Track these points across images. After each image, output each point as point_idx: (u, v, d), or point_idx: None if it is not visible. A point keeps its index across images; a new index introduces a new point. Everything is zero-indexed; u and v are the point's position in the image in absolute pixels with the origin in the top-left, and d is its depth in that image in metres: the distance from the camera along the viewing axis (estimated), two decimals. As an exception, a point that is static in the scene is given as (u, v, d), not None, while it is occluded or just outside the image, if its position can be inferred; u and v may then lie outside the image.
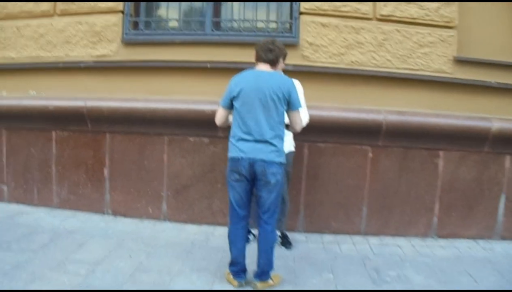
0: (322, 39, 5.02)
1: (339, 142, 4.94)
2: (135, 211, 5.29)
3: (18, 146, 5.54)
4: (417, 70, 4.98)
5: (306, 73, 4.95)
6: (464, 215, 4.98)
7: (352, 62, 5.02)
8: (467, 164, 4.94)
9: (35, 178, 5.52)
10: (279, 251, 4.48)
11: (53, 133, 5.41)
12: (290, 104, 3.55)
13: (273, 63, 3.65)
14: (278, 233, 4.71)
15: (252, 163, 3.49)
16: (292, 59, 4.98)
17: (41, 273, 3.81)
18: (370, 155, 4.93)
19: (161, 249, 4.44)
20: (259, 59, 3.65)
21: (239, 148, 3.52)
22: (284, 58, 3.86)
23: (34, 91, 5.52)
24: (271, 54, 3.63)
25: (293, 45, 5.01)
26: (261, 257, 3.68)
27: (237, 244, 3.72)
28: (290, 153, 4.49)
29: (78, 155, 5.37)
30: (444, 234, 4.98)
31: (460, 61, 4.96)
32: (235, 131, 3.58)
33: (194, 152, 5.12)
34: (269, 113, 3.48)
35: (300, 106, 3.62)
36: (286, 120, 3.66)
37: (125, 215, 5.30)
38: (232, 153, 3.57)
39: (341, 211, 5.00)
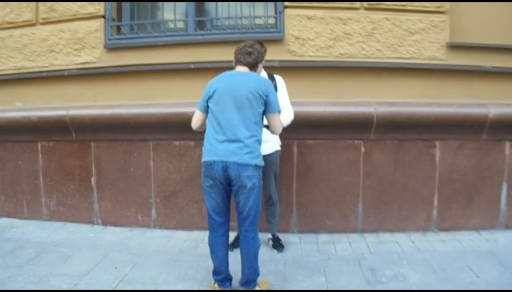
0: (308, 32, 4.84)
1: (329, 139, 4.74)
2: (125, 220, 5.14)
3: (6, 159, 5.43)
4: (409, 58, 4.78)
5: (293, 69, 4.81)
6: (465, 206, 4.75)
7: (341, 54, 4.83)
8: (465, 153, 4.71)
9: (24, 190, 5.40)
10: (270, 254, 4.32)
11: (39, 145, 5.28)
12: (268, 106, 3.37)
13: (251, 66, 3.51)
14: (269, 235, 4.55)
15: (225, 166, 3.29)
16: (279, 54, 4.84)
17: (23, 289, 3.68)
18: (363, 149, 4.71)
19: (148, 258, 4.28)
20: (238, 62, 3.52)
21: (212, 151, 3.34)
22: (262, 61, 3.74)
23: (20, 103, 5.42)
24: (250, 57, 3.48)
25: (279, 40, 4.85)
26: (245, 266, 3.49)
27: (217, 252, 3.53)
28: (276, 152, 4.33)
29: (65, 165, 5.23)
30: (445, 227, 4.74)
31: (454, 47, 4.75)
32: (208, 133, 3.41)
33: (180, 156, 4.96)
34: (244, 113, 3.29)
35: (279, 108, 3.44)
36: (266, 121, 3.48)
37: (115, 224, 5.15)
38: (205, 157, 3.39)
39: (335, 209, 4.79)
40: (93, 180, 5.19)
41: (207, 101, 3.43)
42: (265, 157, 4.24)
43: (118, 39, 5.21)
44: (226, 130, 3.31)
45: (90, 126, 5.04)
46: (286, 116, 4.19)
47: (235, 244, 4.44)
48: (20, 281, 3.82)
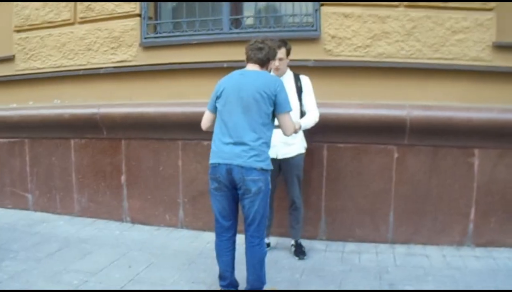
0: (345, 31, 4.62)
1: (360, 142, 4.52)
2: (153, 219, 5.15)
3: (40, 155, 5.59)
4: (452, 59, 4.44)
5: (329, 69, 4.63)
6: (504, 220, 4.36)
7: (379, 54, 4.58)
8: (506, 163, 4.33)
9: (57, 186, 5.54)
10: (290, 261, 4.19)
11: (72, 142, 5.40)
12: (277, 106, 3.23)
13: (262, 63, 3.36)
14: (292, 241, 4.40)
15: (229, 169, 3.20)
16: (314, 54, 4.68)
17: (34, 283, 3.76)
18: (396, 154, 4.46)
19: (165, 259, 4.26)
20: (248, 59, 3.39)
21: (217, 153, 3.28)
22: (274, 58, 3.53)
23: (59, 100, 5.54)
24: (260, 53, 3.33)
25: (315, 39, 4.68)
26: (250, 273, 3.36)
27: (223, 257, 3.44)
28: (300, 155, 4.18)
29: (96, 163, 5.32)
30: (481, 242, 4.39)
31: (500, 47, 4.38)
32: (215, 134, 3.34)
33: (208, 156, 4.87)
34: (251, 115, 3.18)
35: (288, 109, 3.29)
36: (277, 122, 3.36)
37: (143, 223, 5.18)
38: (211, 159, 3.33)
39: (365, 217, 4.57)
40: (123, 178, 5.23)
41: (215, 101, 3.35)
42: (288, 160, 4.14)
43: (153, 38, 5.22)
44: (232, 133, 3.21)
45: (120, 125, 5.09)
46: (310, 118, 4.07)
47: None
48: (34, 275, 3.90)
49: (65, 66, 5.51)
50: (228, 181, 3.24)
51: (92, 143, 5.31)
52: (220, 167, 3.24)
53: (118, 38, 5.26)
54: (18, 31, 5.71)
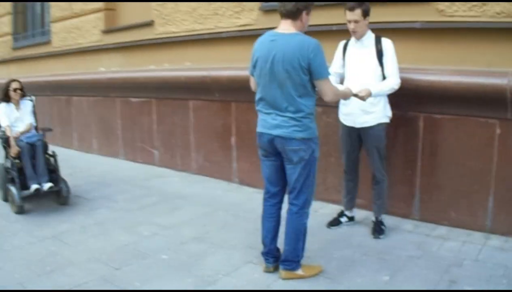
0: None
1: (458, 114, 4.01)
2: (258, 182, 5.19)
3: (165, 114, 6.14)
4: None
5: (439, 31, 4.16)
6: None
7: (497, 13, 3.98)
8: None
9: (178, 144, 6.04)
10: (362, 239, 4.00)
11: (190, 103, 5.81)
12: (312, 73, 3.05)
13: (293, 15, 3.11)
14: (373, 218, 4.17)
15: (271, 140, 3.19)
16: (424, 14, 4.25)
17: (111, 230, 4.27)
18: (498, 130, 3.83)
19: (244, 222, 4.41)
20: (280, 14, 3.18)
21: (260, 122, 3.28)
22: (308, 10, 3.20)
23: (189, 63, 5.97)
24: (289, 5, 3.09)
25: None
26: (285, 242, 3.35)
27: (265, 222, 3.46)
28: (380, 125, 3.90)
29: (211, 124, 5.64)
30: None
31: None
32: (257, 102, 3.30)
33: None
34: (286, 88, 3.07)
35: (324, 75, 3.08)
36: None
37: (249, 185, 5.38)
38: (257, 127, 3.32)
39: (462, 199, 4.06)
40: (232, 139, 5.48)
41: (253, 69, 3.29)
42: (367, 130, 3.93)
43: (272, 1, 5.28)
44: (271, 104, 3.17)
45: (228, 87, 5.31)
46: (385, 85, 3.79)
47: (333, 222, 4.30)
48: (115, 224, 4.43)
49: (195, 30, 5.89)
50: (272, 149, 3.25)
51: (206, 105, 5.65)
52: (263, 136, 3.25)
53: (241, 3, 5.43)
54: (156, -3, 6.28)
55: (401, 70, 3.93)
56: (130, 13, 7.01)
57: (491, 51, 3.94)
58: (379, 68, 3.83)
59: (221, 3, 5.58)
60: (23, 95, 5.36)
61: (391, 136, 4.28)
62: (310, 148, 3.18)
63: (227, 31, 5.53)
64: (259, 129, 3.29)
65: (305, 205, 3.31)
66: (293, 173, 3.22)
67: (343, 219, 4.30)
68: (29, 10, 9.60)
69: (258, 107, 3.30)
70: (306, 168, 3.21)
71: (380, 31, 4.06)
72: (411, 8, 4.22)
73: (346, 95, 3.50)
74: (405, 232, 4.11)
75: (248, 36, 5.37)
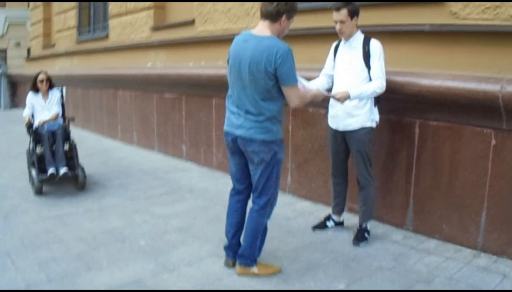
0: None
1: (453, 122, 3.80)
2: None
3: (192, 110, 6.33)
4: None
5: (449, 34, 3.97)
6: None
7: (510, 16, 3.77)
8: None
9: (202, 140, 6.21)
10: (342, 245, 3.93)
11: (213, 100, 5.96)
12: (279, 79, 3.05)
13: (272, 17, 3.10)
14: (357, 225, 4.06)
15: (234, 139, 3.26)
16: (436, 17, 4.09)
17: (107, 217, 4.56)
18: (493, 141, 3.59)
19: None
20: (260, 14, 3.17)
21: (226, 121, 3.35)
22: (290, 15, 3.17)
23: (221, 61, 6.08)
24: (270, 5, 3.08)
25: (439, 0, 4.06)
26: (244, 238, 3.42)
27: (228, 218, 3.54)
28: (364, 129, 3.81)
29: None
30: None
31: None
32: (227, 98, 3.37)
33: (313, 123, 4.82)
34: (250, 90, 3.11)
35: (293, 81, 3.08)
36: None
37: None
38: (224, 125, 3.41)
39: (455, 213, 3.85)
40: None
41: (227, 65, 3.35)
42: (350, 133, 3.88)
43: (302, 1, 5.25)
44: (236, 103, 3.24)
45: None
46: (367, 87, 3.69)
47: (318, 225, 4.25)
48: (114, 211, 4.72)
49: (230, 29, 6.02)
50: (236, 148, 3.32)
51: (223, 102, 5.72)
52: (228, 135, 3.32)
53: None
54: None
55: (398, 74, 3.84)
56: (177, 12, 7.31)
57: (502, 57, 3.73)
58: (366, 70, 3.74)
59: (253, 3, 5.65)
60: (51, 86, 5.77)
61: (387, 142, 4.21)
62: (271, 150, 3.20)
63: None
64: (224, 127, 3.37)
65: (266, 205, 3.34)
66: (255, 174, 3.28)
67: (330, 223, 4.22)
68: (92, 5, 10.23)
69: (226, 104, 3.36)
70: (267, 169, 3.24)
71: (385, 34, 4.01)
72: (422, 10, 4.09)
73: (317, 98, 3.45)
74: (391, 242, 3.97)
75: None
